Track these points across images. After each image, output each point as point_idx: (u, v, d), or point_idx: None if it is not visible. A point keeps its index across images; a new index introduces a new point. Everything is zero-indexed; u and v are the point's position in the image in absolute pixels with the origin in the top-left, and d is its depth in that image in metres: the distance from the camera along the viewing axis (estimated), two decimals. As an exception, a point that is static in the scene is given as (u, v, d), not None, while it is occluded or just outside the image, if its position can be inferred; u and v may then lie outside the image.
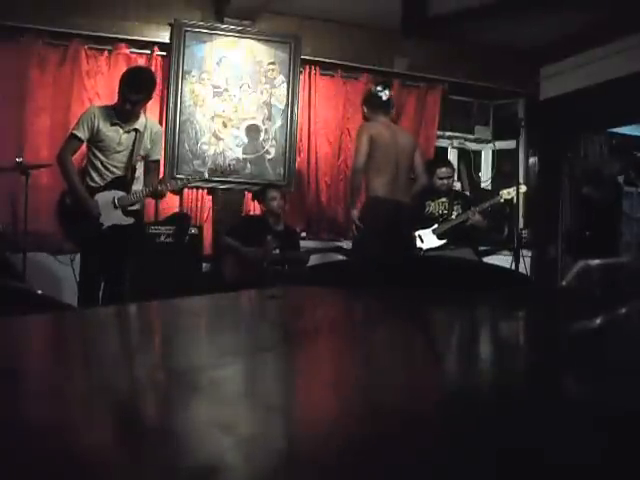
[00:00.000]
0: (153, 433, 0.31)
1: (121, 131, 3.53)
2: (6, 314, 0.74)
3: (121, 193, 3.57)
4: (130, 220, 3.59)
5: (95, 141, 3.53)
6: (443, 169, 4.76)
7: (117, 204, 3.56)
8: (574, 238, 4.87)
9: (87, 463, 0.26)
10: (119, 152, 3.55)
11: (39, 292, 0.96)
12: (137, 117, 3.58)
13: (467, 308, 0.89)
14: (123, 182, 3.59)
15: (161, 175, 4.78)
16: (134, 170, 3.62)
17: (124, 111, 3.49)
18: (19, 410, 0.34)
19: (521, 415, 0.34)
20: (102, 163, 3.54)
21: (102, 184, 3.56)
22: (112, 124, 3.52)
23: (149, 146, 3.65)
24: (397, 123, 5.58)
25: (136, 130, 3.57)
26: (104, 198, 3.54)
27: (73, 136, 3.51)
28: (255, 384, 0.43)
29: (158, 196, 3.84)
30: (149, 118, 3.74)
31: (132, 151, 3.57)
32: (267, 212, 4.52)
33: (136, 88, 3.45)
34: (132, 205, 3.61)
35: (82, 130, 3.49)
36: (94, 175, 3.55)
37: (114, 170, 3.56)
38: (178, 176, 4.89)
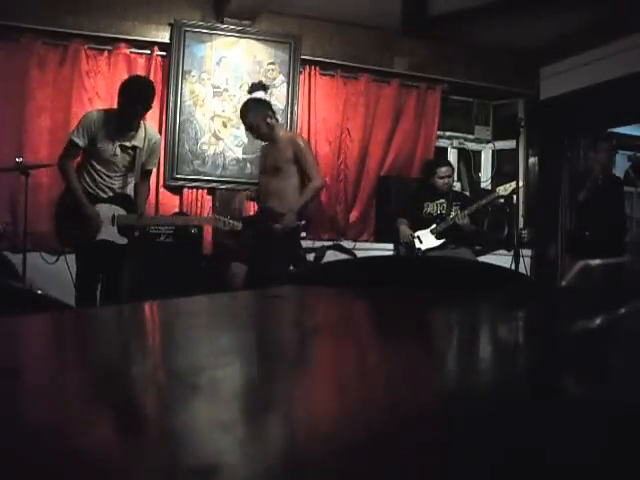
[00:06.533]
0: (153, 433, 0.31)
1: (117, 143, 3.46)
2: (6, 314, 0.74)
3: (121, 211, 3.51)
4: (124, 240, 3.50)
5: (91, 147, 3.47)
6: (443, 168, 4.77)
7: (115, 222, 3.48)
8: (574, 238, 4.88)
9: (86, 463, 0.26)
10: (113, 164, 3.48)
11: (39, 292, 0.96)
12: (136, 130, 3.50)
13: (467, 308, 0.89)
14: (125, 201, 3.54)
15: (161, 179, 4.81)
16: (137, 190, 3.58)
17: (124, 123, 3.44)
18: (19, 410, 0.34)
19: (522, 415, 0.34)
20: (97, 171, 3.48)
21: (102, 195, 3.48)
22: (108, 134, 3.44)
23: (146, 157, 3.57)
24: (397, 123, 5.60)
25: (134, 147, 3.50)
26: (105, 211, 3.47)
27: (72, 142, 3.46)
28: (255, 384, 0.43)
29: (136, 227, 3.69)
30: (149, 128, 3.65)
31: (131, 168, 3.52)
32: None
33: (137, 99, 3.39)
34: (131, 229, 3.54)
35: (80, 137, 3.44)
36: (88, 180, 3.48)
37: (109, 181, 3.50)
38: (178, 175, 4.90)
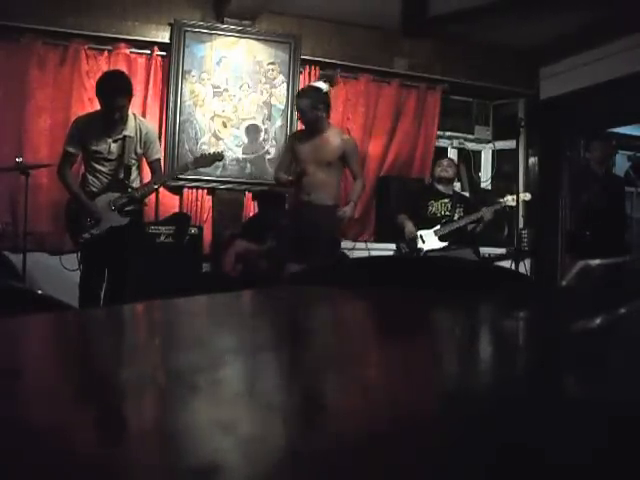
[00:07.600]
0: (153, 433, 0.31)
1: (110, 140, 3.57)
2: (6, 314, 0.74)
3: (116, 195, 3.62)
4: (126, 220, 3.63)
5: (87, 152, 3.60)
6: (445, 161, 4.87)
7: (113, 206, 3.60)
8: (574, 238, 4.88)
9: (86, 463, 0.26)
10: (112, 160, 3.59)
11: (39, 292, 0.96)
12: (125, 122, 3.58)
13: (467, 308, 0.89)
14: (118, 184, 3.63)
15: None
16: (129, 171, 3.65)
17: (111, 120, 3.51)
18: (19, 410, 0.34)
19: (521, 415, 0.34)
20: (98, 171, 3.61)
21: (101, 188, 3.62)
22: (100, 135, 3.55)
23: (142, 149, 3.66)
24: (397, 123, 5.60)
25: (124, 137, 3.59)
26: (101, 201, 3.60)
27: (66, 151, 3.61)
28: (255, 384, 0.43)
29: (139, 199, 3.75)
30: (139, 119, 3.74)
31: (122, 156, 3.60)
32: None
33: (114, 92, 3.45)
34: (127, 206, 3.64)
35: (72, 145, 3.59)
36: (92, 180, 3.62)
37: (109, 175, 3.62)
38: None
